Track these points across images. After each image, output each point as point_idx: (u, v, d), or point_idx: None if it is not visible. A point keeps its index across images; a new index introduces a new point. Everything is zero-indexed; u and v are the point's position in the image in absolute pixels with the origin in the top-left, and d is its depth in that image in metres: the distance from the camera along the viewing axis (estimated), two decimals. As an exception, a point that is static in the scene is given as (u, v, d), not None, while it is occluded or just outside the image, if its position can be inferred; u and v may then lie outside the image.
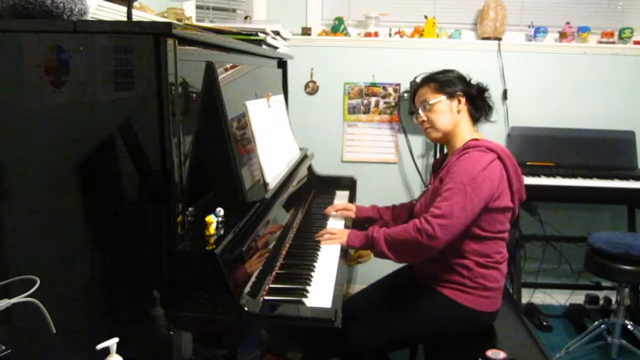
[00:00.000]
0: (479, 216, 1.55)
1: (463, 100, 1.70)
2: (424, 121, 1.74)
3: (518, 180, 1.63)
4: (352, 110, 3.06)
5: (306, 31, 2.99)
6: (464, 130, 1.70)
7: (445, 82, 1.71)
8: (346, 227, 1.97)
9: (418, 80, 1.80)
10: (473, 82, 1.77)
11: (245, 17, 2.93)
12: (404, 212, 2.00)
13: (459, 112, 1.70)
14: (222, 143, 1.34)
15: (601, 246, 2.31)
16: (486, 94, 1.76)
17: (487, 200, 1.54)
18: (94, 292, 1.17)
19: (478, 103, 1.74)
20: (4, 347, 0.82)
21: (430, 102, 1.70)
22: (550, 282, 3.14)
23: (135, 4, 1.64)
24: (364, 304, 1.84)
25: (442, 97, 1.70)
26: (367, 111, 3.06)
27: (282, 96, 2.15)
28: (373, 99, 3.04)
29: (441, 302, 1.63)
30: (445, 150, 1.86)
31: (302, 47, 2.94)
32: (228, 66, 1.51)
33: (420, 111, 1.74)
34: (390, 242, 1.59)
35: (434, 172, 1.86)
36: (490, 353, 1.43)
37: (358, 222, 2.07)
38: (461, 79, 1.74)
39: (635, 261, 2.25)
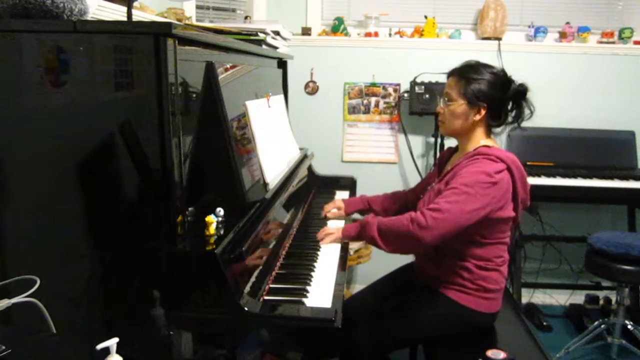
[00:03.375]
0: (480, 224, 1.53)
1: (484, 112, 1.61)
2: (440, 112, 1.68)
3: (524, 191, 1.60)
4: (352, 110, 3.06)
5: (306, 31, 2.99)
6: (477, 136, 1.65)
7: (475, 86, 1.59)
8: (346, 226, 1.97)
9: (459, 64, 1.66)
10: (516, 82, 1.63)
11: (245, 17, 2.93)
12: (398, 202, 2.01)
13: (475, 120, 1.62)
14: (222, 143, 1.34)
15: (601, 246, 2.32)
16: (524, 99, 1.64)
17: (489, 208, 1.51)
18: (94, 292, 1.17)
19: (502, 114, 1.64)
20: (4, 347, 0.82)
21: (450, 102, 1.64)
22: (550, 282, 3.14)
23: (135, 4, 1.63)
24: (364, 304, 1.84)
25: (463, 102, 1.61)
26: (367, 111, 3.06)
27: (282, 96, 2.15)
28: (373, 99, 3.04)
29: (441, 302, 1.63)
30: (451, 144, 1.83)
31: (302, 47, 2.94)
32: (228, 66, 1.51)
33: (441, 101, 1.68)
34: (382, 229, 1.58)
35: (439, 166, 1.84)
36: (490, 353, 1.43)
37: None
38: (496, 84, 1.61)
39: (635, 261, 2.25)
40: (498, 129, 1.70)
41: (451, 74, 1.67)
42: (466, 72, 1.62)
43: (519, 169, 1.57)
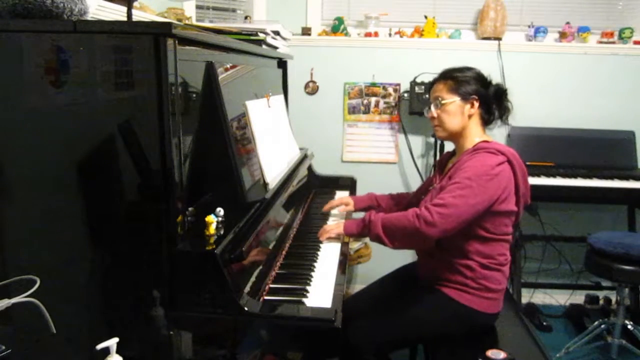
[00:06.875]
0: (483, 217, 1.55)
1: (477, 104, 1.67)
2: (433, 118, 1.72)
3: (525, 185, 1.63)
4: (352, 110, 3.06)
5: (306, 31, 2.99)
6: (473, 133, 1.69)
7: (463, 82, 1.68)
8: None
9: (437, 73, 1.77)
10: (493, 82, 1.74)
11: (245, 17, 2.93)
12: (402, 203, 2.01)
13: (470, 115, 1.68)
14: (222, 143, 1.34)
15: (601, 246, 2.32)
16: (505, 96, 1.73)
17: (492, 201, 1.54)
18: (94, 292, 1.17)
19: (492, 107, 1.71)
20: (4, 347, 0.82)
21: (443, 101, 1.68)
22: (550, 282, 3.14)
23: (135, 4, 1.63)
24: (365, 304, 1.84)
25: (456, 99, 1.67)
26: (367, 111, 3.06)
27: (282, 96, 2.15)
28: (373, 99, 3.04)
29: (443, 301, 1.63)
30: (450, 148, 1.86)
31: (302, 47, 2.94)
32: (228, 66, 1.51)
33: (432, 107, 1.73)
34: (387, 226, 1.59)
35: (439, 169, 1.85)
36: (490, 353, 1.43)
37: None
38: (480, 79, 1.71)
39: (635, 261, 2.25)
40: (491, 125, 1.75)
41: (436, 80, 1.76)
42: (451, 73, 1.71)
43: (519, 162, 1.61)
